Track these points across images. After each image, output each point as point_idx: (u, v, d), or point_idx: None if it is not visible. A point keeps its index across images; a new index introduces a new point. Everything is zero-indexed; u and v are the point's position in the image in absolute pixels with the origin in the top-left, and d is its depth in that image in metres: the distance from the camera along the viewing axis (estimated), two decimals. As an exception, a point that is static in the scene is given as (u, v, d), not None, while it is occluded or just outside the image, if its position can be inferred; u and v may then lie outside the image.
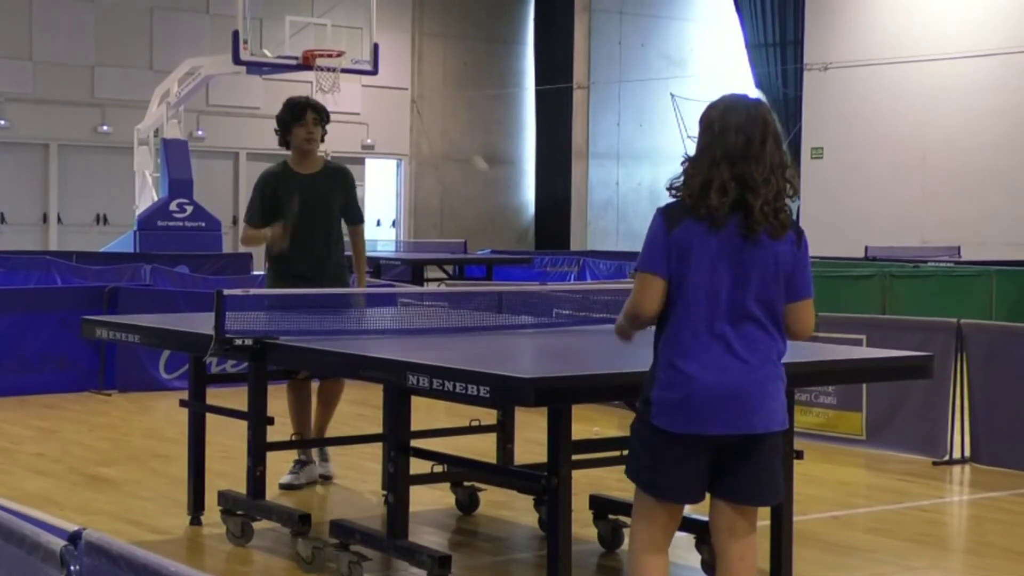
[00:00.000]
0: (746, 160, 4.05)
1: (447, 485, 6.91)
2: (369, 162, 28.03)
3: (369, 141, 27.58)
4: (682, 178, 4.14)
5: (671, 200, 4.17)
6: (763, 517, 5.53)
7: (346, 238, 7.88)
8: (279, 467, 7.38)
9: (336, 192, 7.66)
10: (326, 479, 7.68)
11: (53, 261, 15.57)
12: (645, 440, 4.18)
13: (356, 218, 7.80)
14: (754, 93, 25.67)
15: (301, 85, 24.48)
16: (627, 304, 4.22)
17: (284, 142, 7.71)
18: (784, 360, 4.26)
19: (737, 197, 4.05)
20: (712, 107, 4.16)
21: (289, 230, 7.44)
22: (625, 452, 5.82)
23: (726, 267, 4.08)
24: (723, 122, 4.09)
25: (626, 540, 6.19)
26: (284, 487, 7.37)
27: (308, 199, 7.52)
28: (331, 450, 7.84)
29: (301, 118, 7.63)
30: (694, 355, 4.08)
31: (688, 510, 4.59)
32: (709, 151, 4.08)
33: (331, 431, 7.87)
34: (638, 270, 4.15)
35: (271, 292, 6.97)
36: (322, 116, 7.72)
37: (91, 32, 24.29)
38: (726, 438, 4.11)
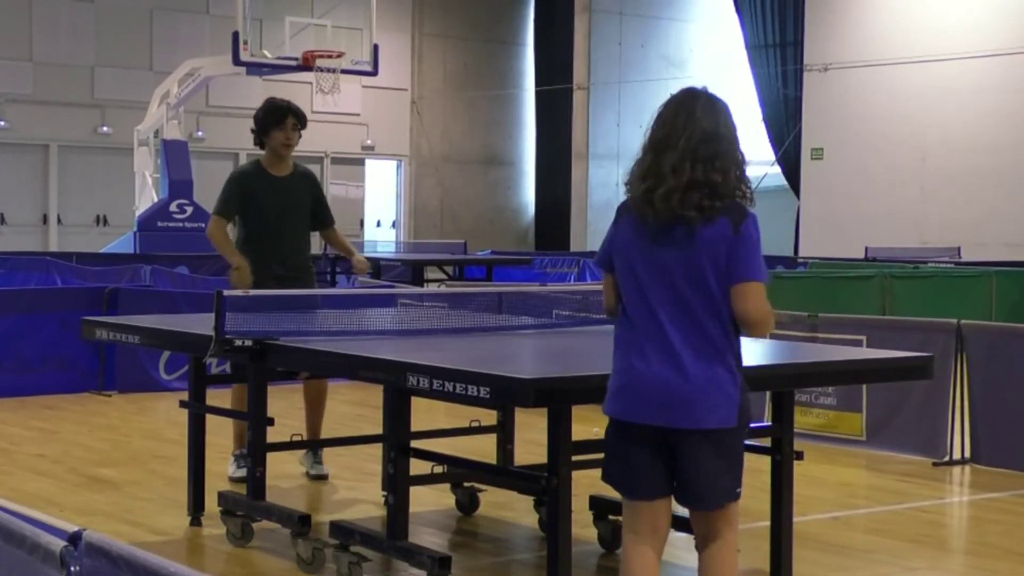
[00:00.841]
0: (665, 151, 4.06)
1: (447, 486, 6.91)
2: (369, 163, 28.04)
3: (369, 142, 27.59)
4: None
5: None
6: (763, 518, 5.55)
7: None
8: (279, 468, 7.38)
9: (306, 195, 7.80)
10: (320, 478, 7.68)
11: (53, 262, 15.58)
12: (607, 433, 4.25)
13: (330, 219, 7.96)
14: (753, 95, 25.77)
15: (301, 86, 24.50)
16: None
17: (259, 142, 7.77)
18: (784, 361, 4.26)
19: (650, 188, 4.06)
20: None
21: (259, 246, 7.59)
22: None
23: (653, 262, 4.08)
24: (656, 115, 4.15)
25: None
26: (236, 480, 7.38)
27: (284, 201, 7.67)
28: (331, 451, 7.84)
29: (281, 122, 7.67)
30: (632, 347, 4.11)
31: (687, 513, 4.59)
32: (645, 146, 4.15)
33: (331, 431, 7.86)
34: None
35: (271, 293, 6.96)
36: (301, 122, 7.77)
37: (91, 33, 24.30)
38: (662, 432, 4.08)
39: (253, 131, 7.78)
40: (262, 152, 7.81)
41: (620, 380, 4.13)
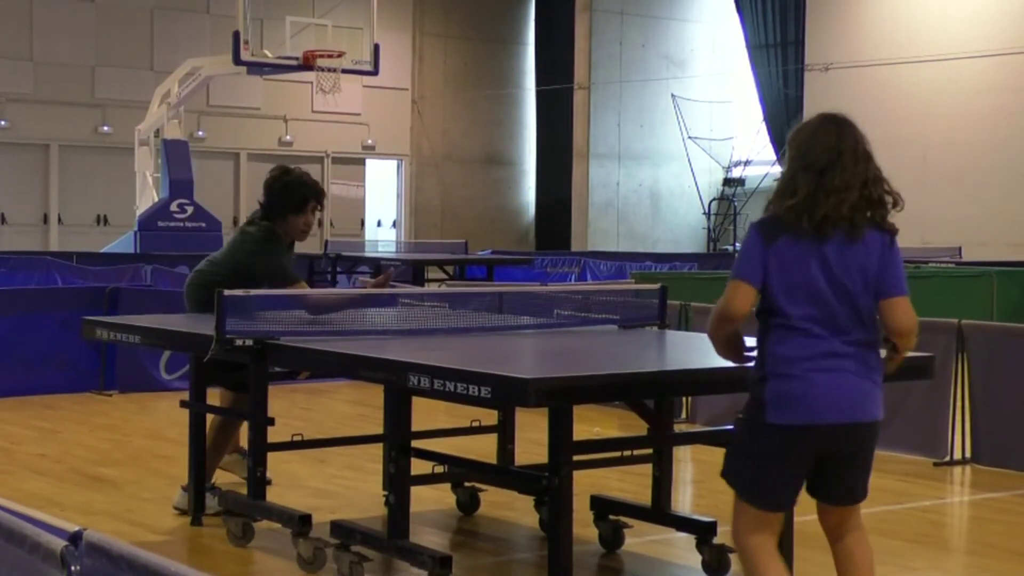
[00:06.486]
0: (831, 171, 4.34)
1: (448, 486, 6.91)
2: (370, 162, 28.04)
3: (370, 141, 27.59)
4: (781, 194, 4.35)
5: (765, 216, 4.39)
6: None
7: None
8: (280, 467, 7.38)
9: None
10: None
11: (53, 262, 15.58)
12: (764, 446, 4.42)
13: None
14: (754, 95, 25.78)
15: (302, 86, 24.53)
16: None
17: (269, 216, 6.97)
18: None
19: (825, 205, 4.31)
20: (801, 129, 4.44)
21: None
22: (625, 453, 5.84)
23: (834, 276, 4.31)
24: (811, 142, 4.36)
25: (626, 541, 6.20)
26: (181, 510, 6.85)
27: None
28: (332, 450, 7.83)
29: (302, 209, 6.92)
30: (809, 358, 4.27)
31: (689, 512, 4.59)
32: (795, 166, 4.35)
33: (332, 431, 7.86)
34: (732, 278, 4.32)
35: (271, 293, 6.94)
36: (322, 202, 7.08)
37: (92, 33, 24.30)
38: (846, 429, 4.32)
39: (261, 203, 7.00)
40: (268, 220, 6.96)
41: (800, 388, 4.24)
